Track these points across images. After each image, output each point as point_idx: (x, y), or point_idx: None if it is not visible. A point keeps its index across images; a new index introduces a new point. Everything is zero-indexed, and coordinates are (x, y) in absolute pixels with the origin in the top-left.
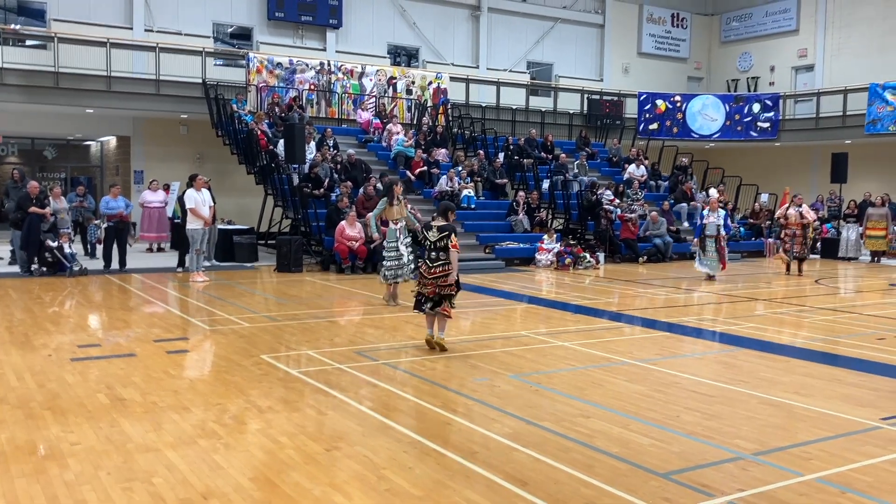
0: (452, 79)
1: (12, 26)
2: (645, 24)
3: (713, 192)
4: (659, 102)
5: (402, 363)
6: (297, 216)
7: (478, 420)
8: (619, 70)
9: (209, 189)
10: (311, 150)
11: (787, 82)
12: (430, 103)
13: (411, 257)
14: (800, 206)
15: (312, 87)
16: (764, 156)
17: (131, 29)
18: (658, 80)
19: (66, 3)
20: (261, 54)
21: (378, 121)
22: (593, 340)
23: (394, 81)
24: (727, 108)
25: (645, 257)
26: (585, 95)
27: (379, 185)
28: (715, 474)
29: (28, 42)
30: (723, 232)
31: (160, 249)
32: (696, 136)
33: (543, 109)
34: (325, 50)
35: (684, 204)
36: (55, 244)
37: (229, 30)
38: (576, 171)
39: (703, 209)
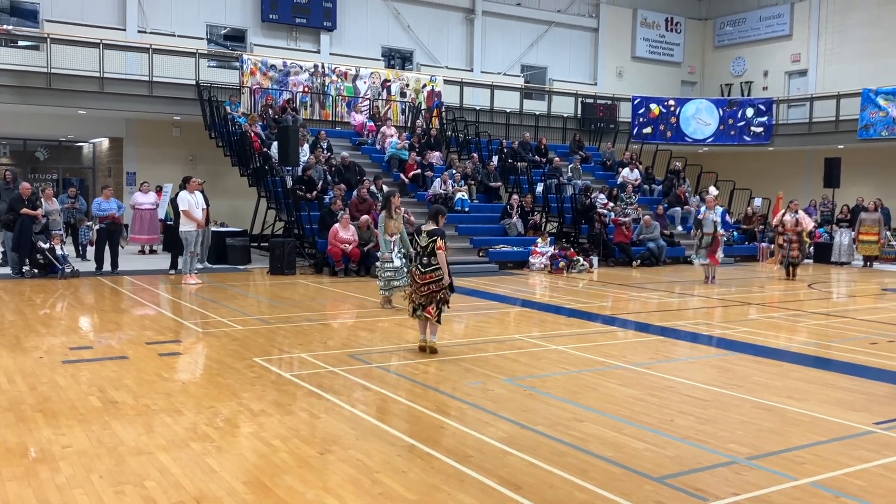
0: (446, 82)
1: (5, 27)
2: (639, 28)
3: (712, 189)
4: (653, 106)
5: (395, 366)
6: (291, 219)
7: (471, 424)
8: (613, 74)
9: (202, 191)
10: (304, 153)
11: (781, 87)
12: (424, 106)
13: (405, 264)
14: (796, 212)
15: (306, 89)
16: (757, 160)
17: (124, 30)
18: (652, 85)
19: (59, 4)
20: (254, 56)
21: (372, 123)
22: (587, 344)
23: (388, 84)
24: (721, 112)
25: (638, 261)
26: (579, 99)
27: (373, 188)
28: (709, 478)
29: (20, 43)
30: (720, 229)
31: (152, 251)
32: (689, 140)
33: (537, 113)
34: (318, 52)
35: (678, 208)
36: (47, 246)
37: (223, 31)
38: (570, 174)
39: (699, 208)
